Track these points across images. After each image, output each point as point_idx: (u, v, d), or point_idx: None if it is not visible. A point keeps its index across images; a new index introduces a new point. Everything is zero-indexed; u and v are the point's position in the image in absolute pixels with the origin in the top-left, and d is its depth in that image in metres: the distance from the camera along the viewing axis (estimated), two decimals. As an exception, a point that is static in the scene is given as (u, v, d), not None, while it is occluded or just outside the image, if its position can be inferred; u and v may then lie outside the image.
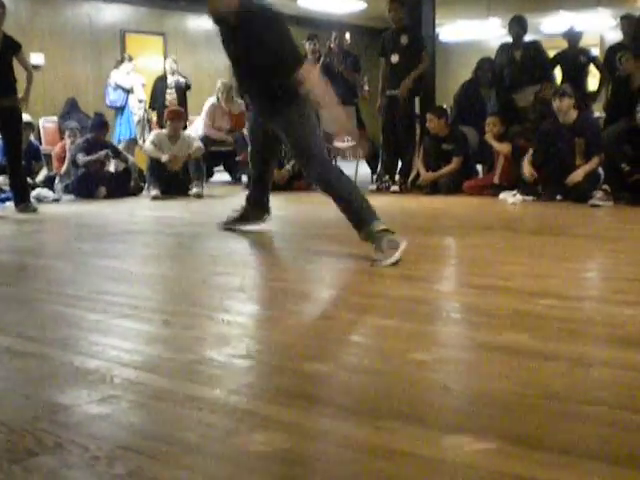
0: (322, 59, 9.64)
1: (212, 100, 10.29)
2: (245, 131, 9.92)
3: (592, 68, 9.06)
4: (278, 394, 1.99)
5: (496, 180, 7.58)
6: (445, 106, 9.50)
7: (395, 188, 8.24)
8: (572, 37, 9.15)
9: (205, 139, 9.42)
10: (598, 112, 9.47)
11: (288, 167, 8.49)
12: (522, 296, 3.09)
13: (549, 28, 14.30)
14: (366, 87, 10.24)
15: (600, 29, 14.55)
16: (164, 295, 3.45)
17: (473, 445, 1.64)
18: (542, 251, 4.34)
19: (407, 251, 3.81)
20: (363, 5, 14.02)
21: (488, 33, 14.96)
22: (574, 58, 8.99)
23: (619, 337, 2.49)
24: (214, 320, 2.81)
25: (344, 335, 2.67)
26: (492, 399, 1.92)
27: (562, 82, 8.89)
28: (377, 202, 6.52)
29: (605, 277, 3.76)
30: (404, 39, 8.41)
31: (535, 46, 8.82)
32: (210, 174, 9.58)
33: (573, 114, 6.93)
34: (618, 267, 4.01)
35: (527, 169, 7.02)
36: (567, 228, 5.37)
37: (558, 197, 6.85)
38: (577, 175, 6.71)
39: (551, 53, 9.22)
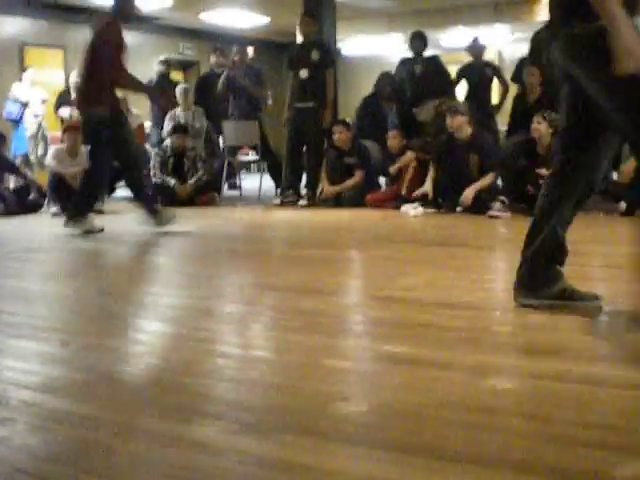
0: (225, 73, 9.63)
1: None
2: (147, 145, 9.83)
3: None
4: (179, 411, 1.97)
5: (404, 192, 7.63)
6: (348, 120, 9.59)
7: (303, 202, 8.26)
8: (476, 50, 9.35)
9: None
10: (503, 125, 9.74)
11: (191, 182, 8.43)
12: (423, 307, 3.15)
13: (449, 42, 14.61)
14: (269, 101, 10.25)
15: (498, 44, 14.92)
16: (62, 314, 3.38)
17: (373, 456, 1.67)
18: (443, 262, 4.43)
19: (304, 263, 3.83)
20: (266, 19, 14.08)
21: (390, 48, 15.18)
22: (480, 71, 9.18)
23: (517, 346, 2.57)
24: (114, 338, 2.77)
25: (246, 350, 2.67)
26: (392, 410, 1.96)
27: (468, 96, 9.11)
28: (283, 216, 6.56)
29: (504, 287, 3.83)
30: (315, 54, 8.43)
31: (435, 61, 9.00)
32: (112, 189, 9.43)
33: (467, 130, 7.09)
34: (502, 277, 4.13)
35: (428, 184, 7.18)
36: (467, 239, 5.48)
37: (458, 209, 6.98)
38: (468, 194, 6.87)
39: (451, 67, 9.42)
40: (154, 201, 6.26)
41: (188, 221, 6.53)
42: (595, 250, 4.92)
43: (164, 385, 2.23)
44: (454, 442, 1.73)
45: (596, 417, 1.87)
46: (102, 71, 5.79)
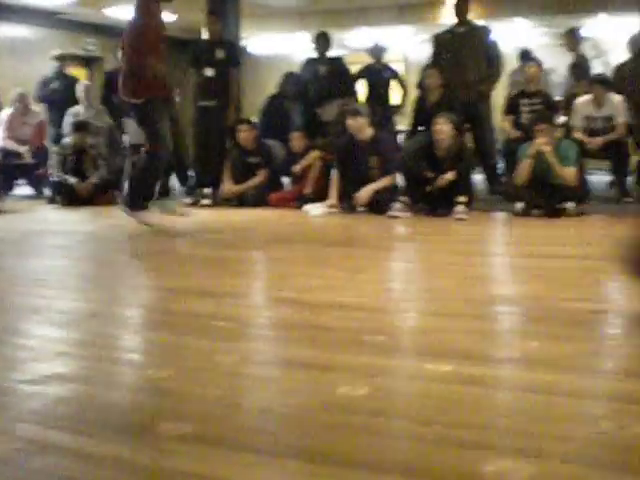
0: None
1: (9, 110, 9.87)
2: (46, 143, 9.63)
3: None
4: (61, 421, 1.95)
5: (308, 191, 7.68)
6: (253, 119, 9.59)
7: (206, 202, 8.22)
8: (376, 53, 9.52)
9: (2, 151, 9.06)
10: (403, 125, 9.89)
11: (92, 180, 8.31)
12: (318, 309, 3.17)
13: (354, 43, 14.73)
14: (177, 99, 10.16)
15: (403, 45, 15.11)
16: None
17: (259, 462, 1.68)
18: (341, 263, 4.47)
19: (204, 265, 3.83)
20: (172, 16, 13.94)
21: (297, 47, 15.22)
22: (378, 73, 9.35)
23: (406, 347, 2.62)
24: (2, 343, 2.72)
25: (140, 355, 2.66)
26: (277, 414, 1.97)
27: (367, 96, 9.25)
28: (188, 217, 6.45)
29: (398, 288, 3.93)
30: (220, 53, 8.40)
31: (339, 62, 9.07)
32: (10, 187, 9.22)
33: (368, 132, 7.19)
34: (412, 276, 4.22)
35: (333, 194, 7.26)
36: (366, 239, 5.56)
37: (359, 209, 7.06)
38: (364, 193, 6.97)
39: (355, 67, 9.53)
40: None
41: (88, 220, 6.43)
42: (494, 250, 5.05)
43: (48, 395, 2.19)
44: (339, 446, 1.75)
45: (476, 418, 1.91)
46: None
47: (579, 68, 9.28)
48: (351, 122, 7.16)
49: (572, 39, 9.49)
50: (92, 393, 2.19)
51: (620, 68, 8.79)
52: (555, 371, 2.27)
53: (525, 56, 10.40)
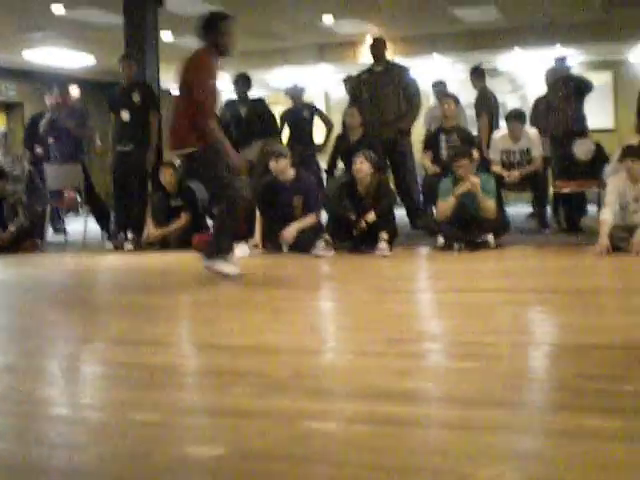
0: (48, 114, 9.41)
1: None
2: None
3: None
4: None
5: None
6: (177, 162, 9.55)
7: (129, 246, 8.12)
8: (295, 94, 9.62)
9: None
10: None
11: (12, 228, 8.15)
12: (240, 353, 3.15)
13: (275, 82, 14.85)
14: (98, 142, 10.10)
15: (324, 84, 15.28)
16: None
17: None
18: (264, 305, 4.45)
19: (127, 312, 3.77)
20: (92, 60, 13.87)
21: (219, 88, 15.25)
22: (299, 113, 9.44)
23: (331, 389, 2.60)
24: None
25: (53, 409, 2.59)
26: (204, 466, 1.95)
27: (289, 138, 9.31)
28: (109, 262, 6.43)
29: (323, 328, 3.92)
30: (136, 96, 8.37)
31: (259, 103, 9.11)
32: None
33: (290, 172, 7.23)
34: (335, 316, 4.23)
35: (257, 235, 7.26)
36: (290, 280, 5.55)
37: (284, 249, 7.06)
38: (288, 232, 6.99)
39: (278, 107, 9.59)
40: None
41: (8, 269, 6.30)
42: (416, 286, 5.09)
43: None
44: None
45: (398, 459, 1.91)
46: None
47: (480, 103, 9.57)
48: (273, 164, 7.19)
49: (475, 75, 9.81)
50: (5, 448, 2.13)
51: (538, 102, 9.03)
52: (477, 407, 2.29)
53: (436, 86, 10.64)
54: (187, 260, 7.02)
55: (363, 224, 6.80)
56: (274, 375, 2.76)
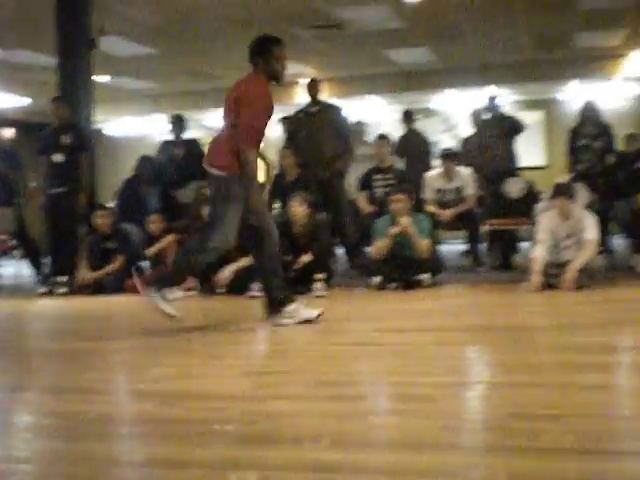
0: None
1: None
2: None
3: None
4: None
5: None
6: (111, 203, 9.47)
7: (61, 290, 7.98)
8: None
9: None
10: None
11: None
12: (171, 399, 3.09)
13: (212, 123, 14.85)
14: (32, 184, 9.95)
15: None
16: None
17: None
18: (198, 349, 4.41)
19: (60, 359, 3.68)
20: (28, 100, 13.73)
21: (155, 128, 15.22)
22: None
23: (261, 436, 2.55)
24: None
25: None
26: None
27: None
28: (42, 306, 6.27)
29: (257, 371, 3.86)
30: (66, 138, 8.28)
31: (194, 143, 9.11)
32: None
33: None
34: (269, 360, 4.20)
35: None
36: (225, 323, 5.48)
37: (219, 290, 7.01)
38: (223, 274, 6.96)
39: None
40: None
41: None
42: (351, 326, 5.07)
43: None
44: None
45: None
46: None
47: (403, 144, 9.77)
48: (204, 210, 7.15)
49: (405, 117, 10.05)
50: None
51: (466, 141, 9.20)
52: (409, 450, 2.29)
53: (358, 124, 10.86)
54: (121, 304, 6.94)
55: (298, 266, 6.80)
56: (206, 422, 2.71)
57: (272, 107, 5.05)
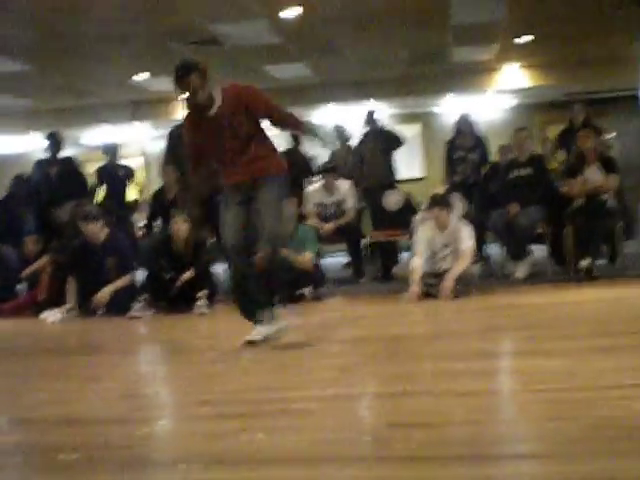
0: None
1: None
2: None
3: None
4: None
5: (42, 297, 7.40)
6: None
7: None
8: (109, 151, 9.51)
9: None
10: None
11: None
12: (45, 427, 3.00)
13: (89, 140, 14.58)
14: None
15: (141, 140, 15.13)
16: None
17: None
18: (76, 372, 4.29)
19: None
20: None
21: (31, 147, 14.80)
22: (113, 171, 9.31)
23: (144, 459, 2.51)
24: None
25: None
26: None
27: (106, 195, 9.15)
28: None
29: (135, 394, 3.77)
30: None
31: (70, 161, 8.92)
32: None
33: (103, 234, 7.07)
34: (149, 381, 4.13)
35: (70, 297, 7.05)
36: (105, 344, 5.39)
37: (99, 311, 6.87)
38: (102, 295, 6.84)
39: (93, 165, 9.44)
40: None
41: None
42: (232, 344, 5.03)
43: None
44: None
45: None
46: None
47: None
48: (84, 228, 7.02)
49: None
50: None
51: (354, 153, 9.31)
52: (285, 466, 2.29)
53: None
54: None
55: (179, 283, 6.73)
56: (84, 449, 2.64)
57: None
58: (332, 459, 2.36)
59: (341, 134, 9.77)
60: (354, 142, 10.02)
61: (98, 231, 7.03)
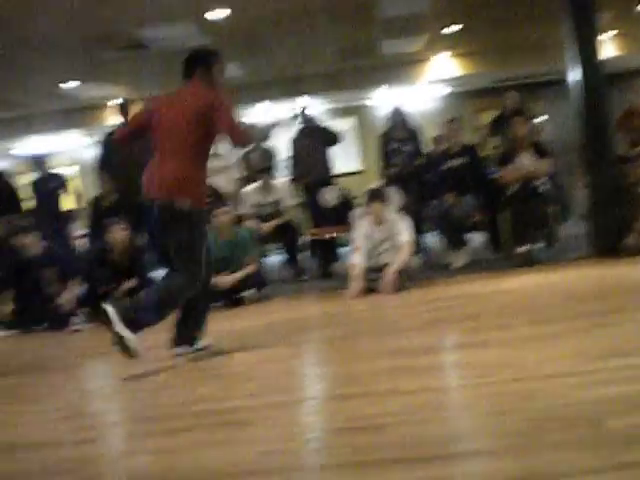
0: None
1: None
2: None
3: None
4: None
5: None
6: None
7: None
8: (37, 164, 9.39)
9: None
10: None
11: None
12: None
13: (21, 151, 14.32)
14: None
15: (74, 149, 14.92)
16: None
17: None
18: (10, 394, 4.20)
19: None
20: None
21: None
22: (44, 183, 9.18)
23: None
24: None
25: None
26: None
27: (37, 207, 9.00)
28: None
29: (76, 413, 3.69)
30: None
31: (1, 175, 8.75)
32: None
33: (39, 246, 6.97)
34: (91, 399, 4.05)
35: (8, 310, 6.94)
36: (44, 362, 5.26)
37: (40, 326, 6.76)
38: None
39: (25, 177, 9.30)
40: None
41: None
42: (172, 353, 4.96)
43: None
44: None
45: None
46: None
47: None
48: (19, 242, 6.90)
49: None
50: None
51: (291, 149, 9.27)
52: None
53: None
54: None
55: (119, 295, 6.64)
56: (24, 475, 2.59)
57: None
58: (281, 470, 2.35)
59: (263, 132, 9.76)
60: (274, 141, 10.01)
61: (34, 244, 6.90)
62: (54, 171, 9.72)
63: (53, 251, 7.08)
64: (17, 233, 6.94)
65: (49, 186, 9.18)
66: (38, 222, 7.42)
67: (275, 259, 9.53)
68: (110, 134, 8.80)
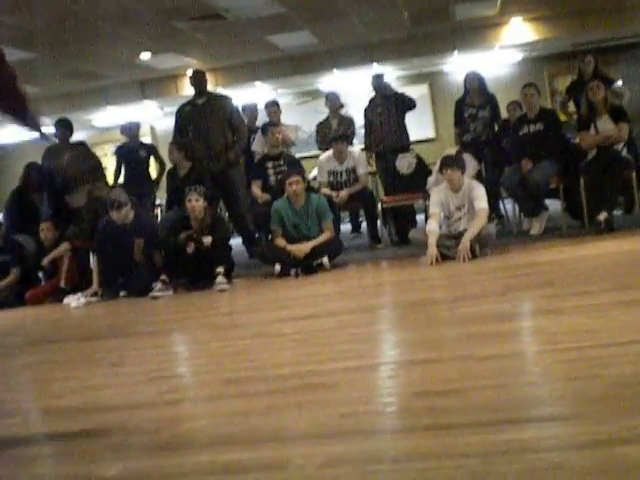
0: None
1: None
2: None
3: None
4: None
5: (62, 284, 7.48)
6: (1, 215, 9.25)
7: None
8: (130, 132, 9.53)
9: None
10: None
11: None
12: (73, 415, 3.04)
13: (101, 122, 14.60)
14: None
15: (150, 119, 15.13)
16: None
17: None
18: (97, 359, 4.31)
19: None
20: None
21: (28, 136, 14.80)
22: (133, 151, 9.33)
23: (166, 443, 2.54)
24: None
25: None
26: None
27: (126, 175, 9.20)
28: None
29: (160, 376, 3.80)
30: None
31: (82, 146, 8.94)
32: None
33: (130, 215, 7.12)
34: (173, 362, 4.15)
35: (95, 280, 7.11)
36: (130, 327, 5.42)
37: (122, 293, 6.92)
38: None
39: (107, 146, 9.46)
40: None
41: None
42: (255, 319, 5.06)
43: None
44: None
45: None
46: None
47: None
48: (115, 214, 7.07)
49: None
50: None
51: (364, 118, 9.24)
52: (315, 441, 2.31)
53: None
54: (21, 317, 6.79)
55: (192, 246, 6.73)
56: (112, 435, 2.67)
57: None
58: (359, 432, 2.39)
59: (333, 101, 9.76)
60: (347, 110, 9.98)
61: (127, 215, 7.10)
62: (145, 142, 9.89)
63: (143, 220, 7.24)
64: (115, 207, 7.07)
65: (137, 154, 9.33)
66: (128, 191, 7.57)
67: (346, 227, 9.54)
68: (186, 104, 8.93)
